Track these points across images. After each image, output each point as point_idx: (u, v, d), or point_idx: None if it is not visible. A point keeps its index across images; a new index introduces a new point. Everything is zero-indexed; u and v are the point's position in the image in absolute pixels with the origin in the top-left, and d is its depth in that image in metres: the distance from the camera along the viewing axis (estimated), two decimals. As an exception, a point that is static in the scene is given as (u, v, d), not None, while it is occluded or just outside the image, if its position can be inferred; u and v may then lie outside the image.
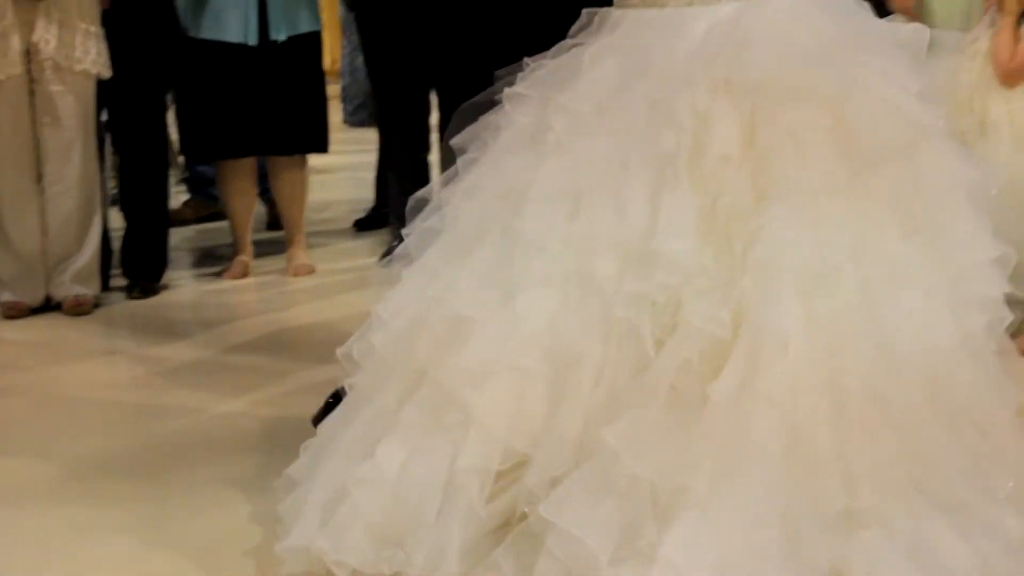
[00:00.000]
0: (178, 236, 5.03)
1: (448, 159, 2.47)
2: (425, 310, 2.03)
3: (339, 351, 2.18)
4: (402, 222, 4.99)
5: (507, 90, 2.16)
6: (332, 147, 4.74)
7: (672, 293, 1.91)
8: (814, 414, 1.84)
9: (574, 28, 2.21)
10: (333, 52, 7.56)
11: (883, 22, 2.16)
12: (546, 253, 1.97)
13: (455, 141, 2.24)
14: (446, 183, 2.21)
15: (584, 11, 2.22)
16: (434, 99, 4.66)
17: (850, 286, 1.90)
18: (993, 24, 3.27)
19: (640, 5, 2.16)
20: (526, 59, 2.20)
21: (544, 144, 2.07)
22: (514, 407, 1.91)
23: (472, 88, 4.51)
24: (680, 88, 2.01)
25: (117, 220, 4.53)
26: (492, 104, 2.22)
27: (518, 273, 1.97)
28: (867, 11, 2.16)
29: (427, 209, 2.20)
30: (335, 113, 6.54)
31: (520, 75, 2.17)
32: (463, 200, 2.12)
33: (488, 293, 1.98)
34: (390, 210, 4.83)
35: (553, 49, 2.18)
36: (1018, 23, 3.23)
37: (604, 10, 2.20)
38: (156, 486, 2.52)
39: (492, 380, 1.92)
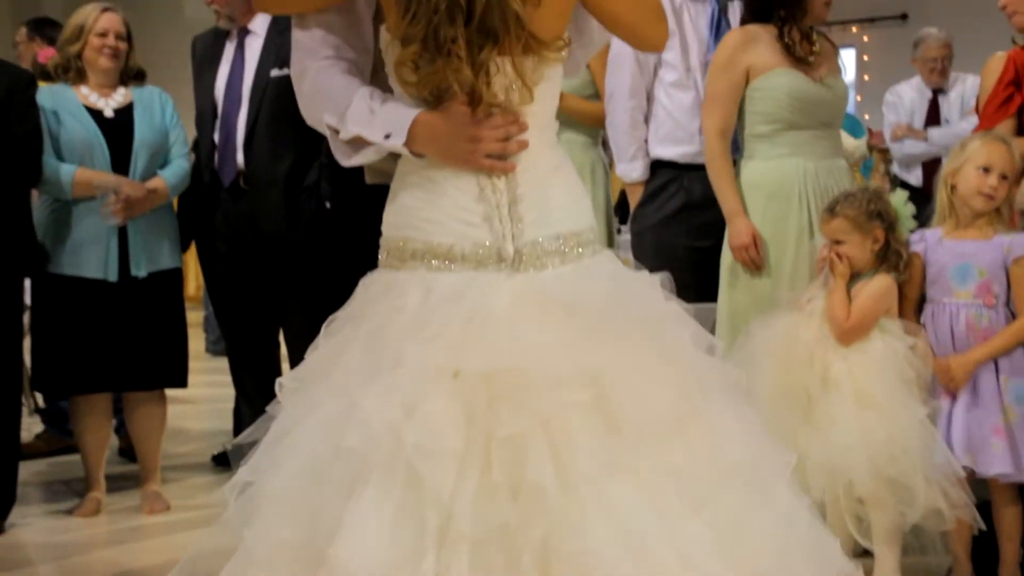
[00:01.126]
0: (28, 470, 4.90)
1: None
2: None
3: None
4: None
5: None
6: (193, 377, 4.69)
7: None
8: None
9: None
10: (198, 278, 7.58)
11: (668, 303, 2.15)
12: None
13: None
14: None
15: None
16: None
17: None
18: (826, 284, 3.45)
19: (386, 266, 2.17)
20: None
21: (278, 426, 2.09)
22: None
23: (318, 322, 4.55)
24: (389, 370, 1.95)
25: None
26: None
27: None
28: (654, 287, 2.15)
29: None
30: (198, 341, 6.51)
31: None
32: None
33: None
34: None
35: None
36: (848, 285, 3.43)
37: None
38: None
39: None
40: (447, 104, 2.09)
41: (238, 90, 4.43)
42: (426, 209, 2.11)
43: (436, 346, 1.95)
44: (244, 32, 4.47)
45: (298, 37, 2.29)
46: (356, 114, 2.14)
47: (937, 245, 3.43)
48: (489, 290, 2.03)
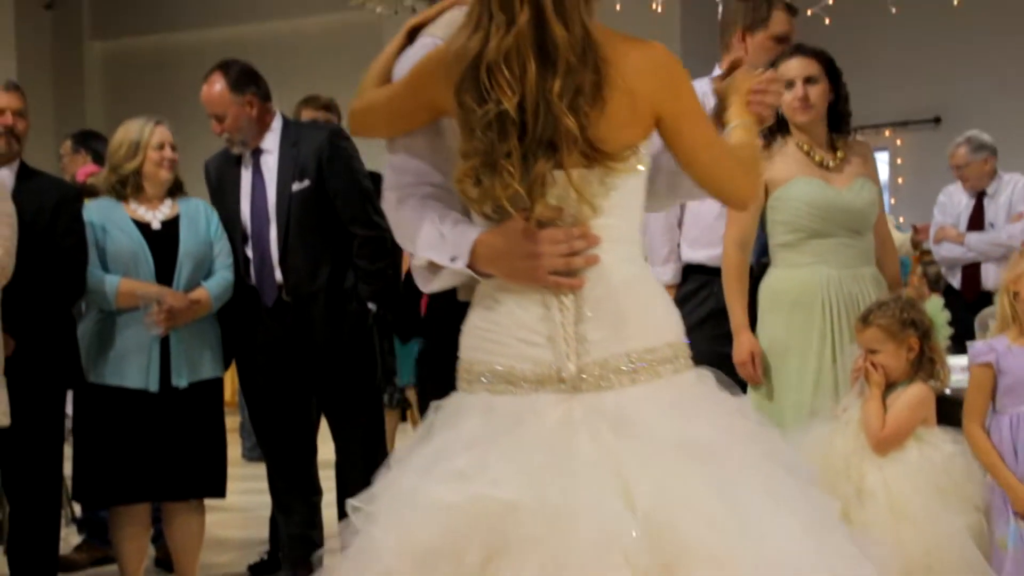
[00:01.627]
0: (66, 583, 4.89)
1: None
2: None
3: None
4: (294, 569, 4.98)
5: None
6: (229, 484, 4.67)
7: None
8: None
9: None
10: (233, 383, 7.58)
11: (743, 422, 2.08)
12: None
13: None
14: None
15: None
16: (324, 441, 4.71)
17: None
18: (862, 394, 3.44)
19: (460, 389, 2.14)
20: None
21: None
22: None
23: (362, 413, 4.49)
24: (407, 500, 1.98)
25: (1, 566, 4.40)
26: None
27: None
28: (738, 409, 2.09)
29: None
30: (234, 447, 6.49)
31: None
32: None
33: None
34: (283, 555, 4.76)
35: None
36: (884, 394, 3.41)
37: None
38: None
39: None
40: (505, 221, 2.05)
41: (263, 209, 4.48)
42: (492, 330, 2.07)
43: (450, 479, 1.95)
44: (257, 152, 4.52)
45: (387, 165, 2.30)
46: (426, 239, 2.13)
47: (1008, 353, 3.37)
48: (544, 414, 1.99)
